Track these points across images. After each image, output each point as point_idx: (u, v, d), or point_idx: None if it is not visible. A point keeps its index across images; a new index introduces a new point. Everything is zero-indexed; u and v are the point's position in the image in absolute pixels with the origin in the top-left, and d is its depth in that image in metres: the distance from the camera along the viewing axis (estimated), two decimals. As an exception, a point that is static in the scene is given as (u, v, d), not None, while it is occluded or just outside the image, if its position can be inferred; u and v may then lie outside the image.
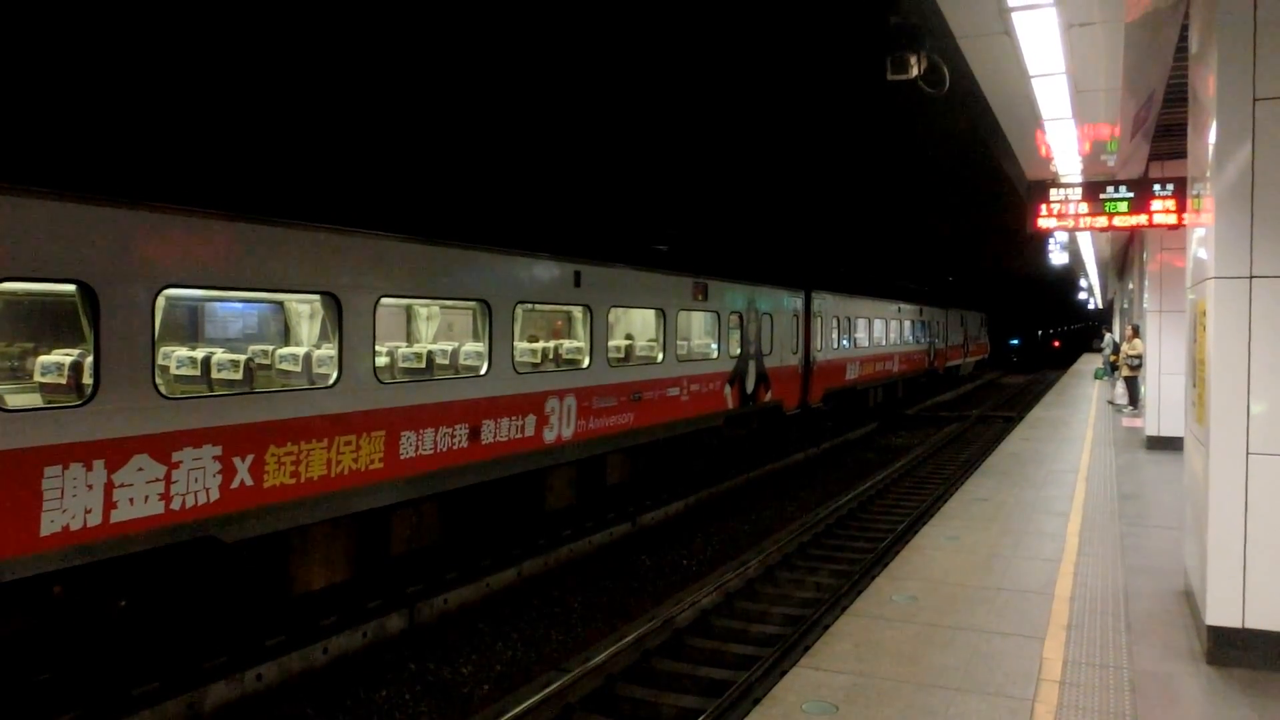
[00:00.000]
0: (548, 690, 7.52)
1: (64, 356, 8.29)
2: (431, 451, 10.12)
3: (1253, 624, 5.81)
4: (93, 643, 7.62)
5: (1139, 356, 19.77)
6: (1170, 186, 11.15)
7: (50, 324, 9.09)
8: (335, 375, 9.12)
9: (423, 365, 11.59)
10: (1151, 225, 11.80)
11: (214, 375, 9.34)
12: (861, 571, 11.14)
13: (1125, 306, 28.93)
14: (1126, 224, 11.76)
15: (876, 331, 28.11)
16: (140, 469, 7.25)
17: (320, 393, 9.01)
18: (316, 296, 9.63)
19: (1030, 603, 7.19)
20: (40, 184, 6.84)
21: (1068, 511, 10.47)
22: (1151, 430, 15.27)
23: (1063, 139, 10.69)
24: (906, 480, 17.91)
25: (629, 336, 15.43)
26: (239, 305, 12.04)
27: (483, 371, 11.08)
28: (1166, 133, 12.36)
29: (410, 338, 13.04)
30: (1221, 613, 5.89)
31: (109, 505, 7.04)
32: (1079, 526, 9.73)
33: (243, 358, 9.52)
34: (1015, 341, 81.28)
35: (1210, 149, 6.06)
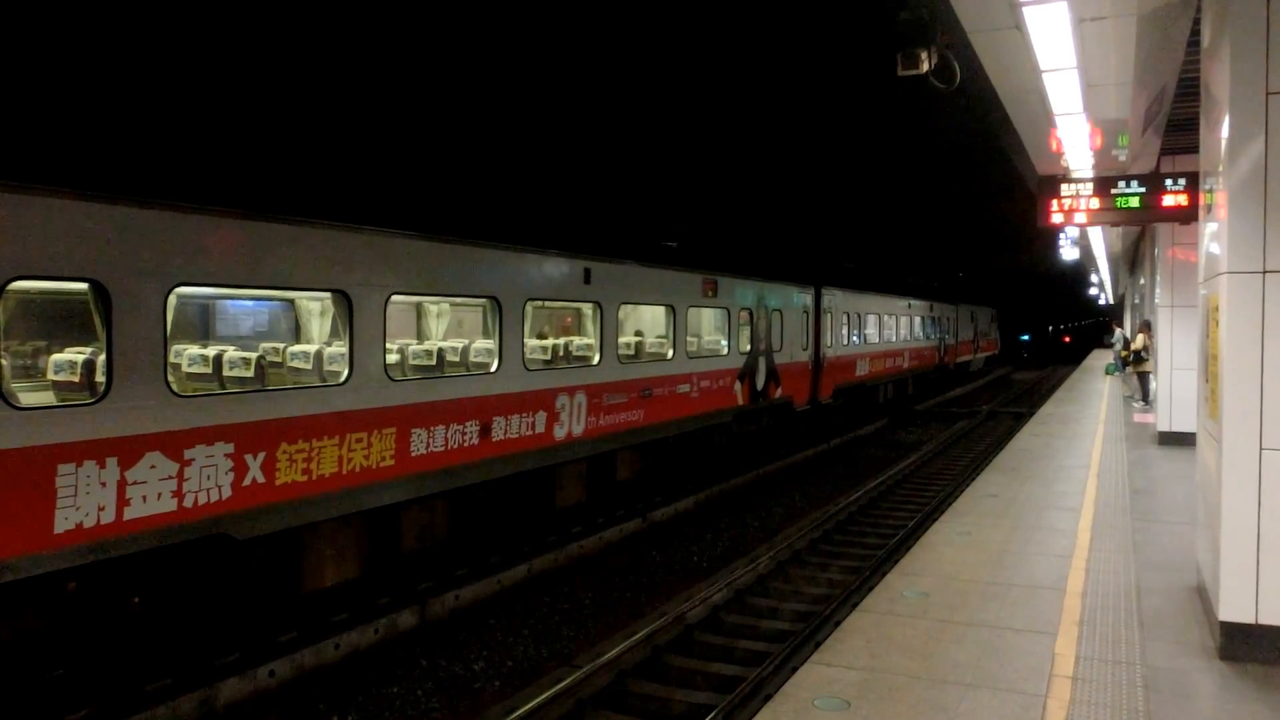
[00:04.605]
0: (559, 686, 7.54)
1: (76, 355, 8.33)
2: (442, 448, 10.15)
3: (1266, 619, 5.79)
4: (106, 639, 7.67)
5: (1139, 351, 19.96)
6: (1182, 181, 11.08)
7: (63, 322, 9.14)
8: (346, 373, 9.15)
9: (433, 362, 11.62)
10: (1163, 220, 11.72)
11: (226, 373, 9.38)
12: (872, 567, 11.13)
13: (1136, 302, 28.81)
14: (1138, 219, 11.70)
15: (887, 328, 28.07)
16: (153, 466, 7.29)
17: (331, 390, 9.04)
18: (327, 294, 9.66)
19: (1042, 598, 7.18)
20: (52, 183, 6.87)
21: (1079, 507, 10.44)
22: (1163, 426, 15.20)
23: (1074, 134, 10.65)
24: (917, 476, 17.88)
25: (639, 333, 15.44)
26: (250, 303, 12.09)
27: (493, 369, 11.10)
28: (1178, 127, 12.29)
29: (421, 335, 13.07)
30: (1234, 608, 5.87)
31: (122, 503, 7.08)
32: (1090, 522, 9.70)
33: (254, 355, 9.55)
34: (1026, 337, 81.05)
35: (1223, 143, 6.03)
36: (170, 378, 7.59)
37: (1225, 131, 5.94)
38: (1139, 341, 20.15)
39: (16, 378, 8.84)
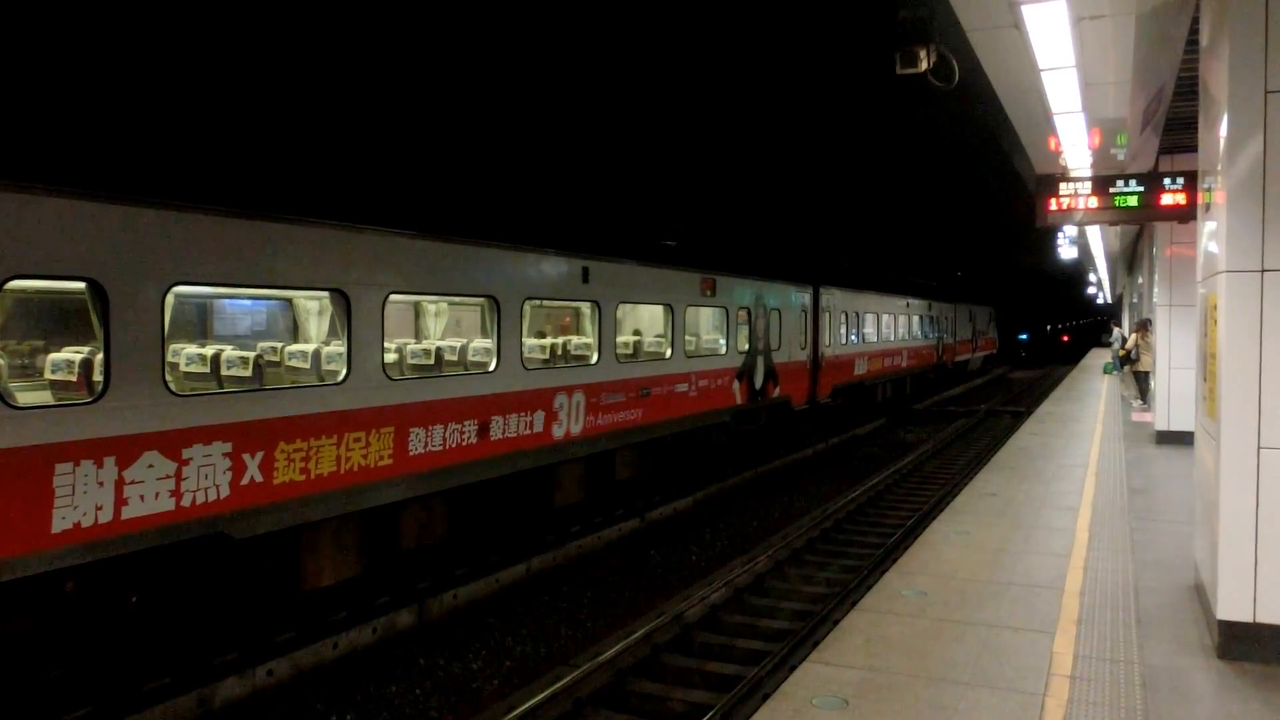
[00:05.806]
0: (558, 685, 7.54)
1: (74, 354, 8.32)
2: (440, 448, 10.14)
3: (1264, 618, 5.79)
4: (104, 639, 7.66)
5: (1129, 351, 20.24)
6: (1180, 180, 11.07)
7: (60, 321, 9.13)
8: (344, 372, 9.13)
9: (431, 362, 11.61)
10: (1161, 219, 11.70)
11: (224, 372, 9.37)
12: (871, 566, 11.13)
13: (1135, 301, 28.83)
14: (1136, 218, 11.68)
15: (885, 327, 28.06)
16: (151, 466, 7.28)
17: (329, 389, 9.03)
18: (326, 293, 9.65)
19: (1040, 597, 7.18)
20: (51, 182, 6.86)
21: (1077, 506, 10.44)
22: (1161, 425, 15.20)
23: (1072, 133, 10.64)
24: (915, 475, 17.88)
25: (637, 332, 15.43)
26: (248, 302, 12.07)
27: (491, 368, 11.09)
28: (1177, 126, 12.29)
29: (419, 334, 13.06)
30: (1232, 607, 5.87)
31: (120, 502, 7.07)
32: (1089, 521, 9.70)
33: (252, 355, 9.54)
34: (1024, 336, 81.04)
35: (1221, 142, 6.03)
36: (168, 377, 7.57)
37: (1224, 130, 5.94)
38: (1130, 341, 20.36)
39: (14, 377, 8.83)
